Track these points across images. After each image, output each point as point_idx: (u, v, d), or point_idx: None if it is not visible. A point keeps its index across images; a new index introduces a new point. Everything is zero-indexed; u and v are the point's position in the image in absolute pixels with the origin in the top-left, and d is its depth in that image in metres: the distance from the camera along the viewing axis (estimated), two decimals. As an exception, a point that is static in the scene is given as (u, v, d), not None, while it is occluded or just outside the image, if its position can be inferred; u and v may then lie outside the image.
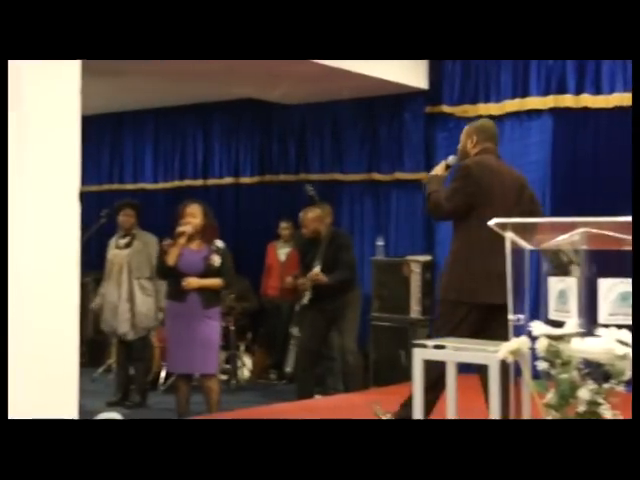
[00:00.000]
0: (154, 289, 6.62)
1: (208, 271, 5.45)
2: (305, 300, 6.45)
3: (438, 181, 4.62)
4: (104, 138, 9.93)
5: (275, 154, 8.90)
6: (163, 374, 7.35)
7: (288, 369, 7.73)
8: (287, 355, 7.75)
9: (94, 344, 8.18)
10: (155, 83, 7.79)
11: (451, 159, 4.69)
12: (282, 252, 8.18)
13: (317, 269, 6.29)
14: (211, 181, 9.29)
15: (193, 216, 5.48)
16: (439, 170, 4.67)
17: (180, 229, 5.45)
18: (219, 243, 5.56)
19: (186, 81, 7.67)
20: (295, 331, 7.48)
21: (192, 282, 5.40)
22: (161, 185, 9.65)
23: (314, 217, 6.55)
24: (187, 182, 9.42)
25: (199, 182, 9.34)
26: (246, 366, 8.03)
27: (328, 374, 7.12)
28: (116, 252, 6.69)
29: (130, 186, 9.82)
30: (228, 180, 9.19)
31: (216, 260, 5.48)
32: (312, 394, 6.51)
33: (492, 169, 4.49)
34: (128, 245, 6.64)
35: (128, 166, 9.90)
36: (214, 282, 5.50)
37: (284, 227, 8.18)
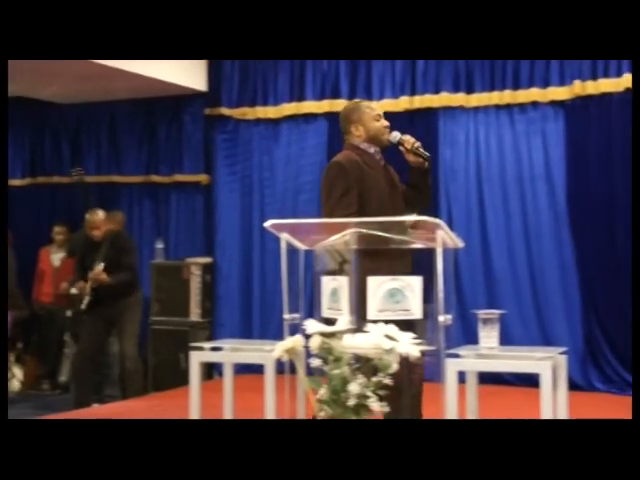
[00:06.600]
0: None
1: None
2: (83, 305, 6.21)
3: None
4: None
5: (48, 155, 8.55)
6: None
7: (62, 378, 7.44)
8: (61, 364, 7.45)
9: None
10: None
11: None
12: (56, 257, 7.87)
13: (100, 267, 6.08)
14: (-22, 183, 8.77)
15: None
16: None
17: None
18: None
19: (-52, 76, 7.18)
20: (68, 338, 7.21)
21: None
22: None
23: (105, 219, 6.32)
24: (-49, 184, 8.84)
25: (-36, 184, 8.79)
26: (16, 377, 7.65)
27: (105, 381, 6.92)
28: None
29: None
30: (-4, 182, 8.72)
31: None
32: (90, 403, 6.30)
33: None
34: None
35: None
36: None
37: (58, 231, 7.88)
